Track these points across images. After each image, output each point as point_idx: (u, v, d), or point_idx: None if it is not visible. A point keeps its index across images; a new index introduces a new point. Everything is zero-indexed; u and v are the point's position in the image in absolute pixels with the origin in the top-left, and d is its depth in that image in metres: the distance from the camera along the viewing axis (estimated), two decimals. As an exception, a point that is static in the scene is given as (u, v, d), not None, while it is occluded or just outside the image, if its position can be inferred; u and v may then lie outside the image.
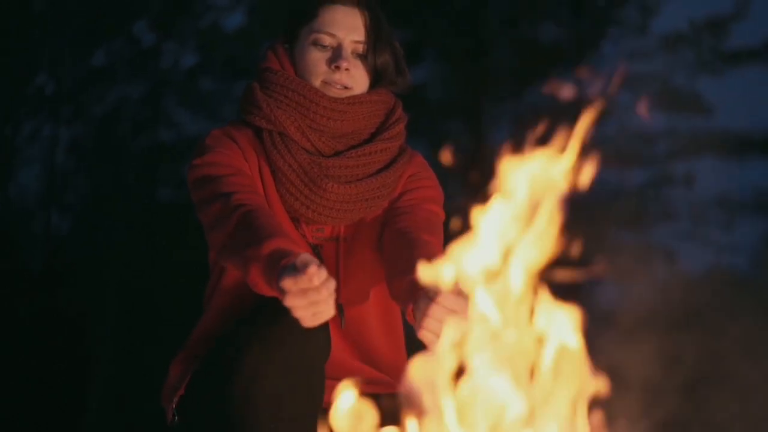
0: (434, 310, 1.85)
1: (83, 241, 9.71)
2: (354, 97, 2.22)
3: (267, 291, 1.91)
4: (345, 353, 2.16)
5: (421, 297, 1.88)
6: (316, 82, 2.22)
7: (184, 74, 9.95)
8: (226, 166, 2.17)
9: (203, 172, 2.16)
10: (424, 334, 1.88)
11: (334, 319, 2.01)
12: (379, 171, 2.22)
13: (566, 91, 1.73)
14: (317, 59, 2.22)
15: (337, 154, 2.20)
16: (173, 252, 8.82)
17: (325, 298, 1.76)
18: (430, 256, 2.03)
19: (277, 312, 1.87)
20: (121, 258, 9.15)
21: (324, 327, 1.87)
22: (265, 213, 2.03)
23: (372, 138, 2.25)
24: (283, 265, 1.79)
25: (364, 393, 2.13)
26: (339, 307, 2.06)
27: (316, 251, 2.15)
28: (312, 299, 1.75)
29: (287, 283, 1.74)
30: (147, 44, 9.84)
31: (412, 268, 1.97)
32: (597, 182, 1.77)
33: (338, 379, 2.08)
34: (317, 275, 1.74)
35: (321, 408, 2.01)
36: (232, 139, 2.22)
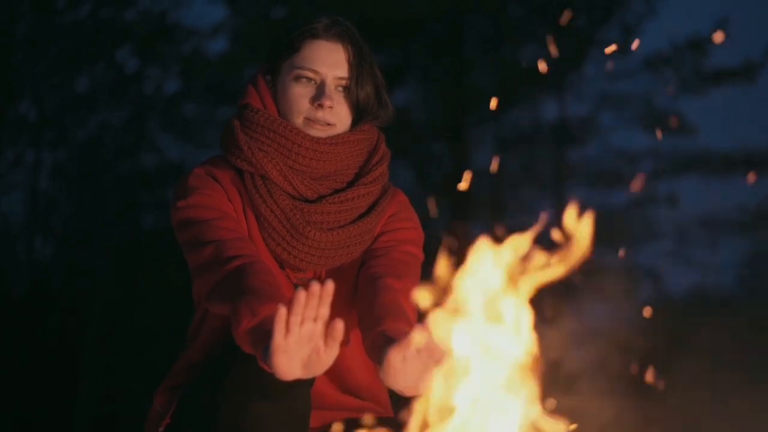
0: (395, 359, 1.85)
1: (67, 266, 9.69)
2: (337, 137, 2.18)
3: (249, 350, 1.89)
4: (327, 386, 2.14)
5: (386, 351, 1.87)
6: (298, 120, 2.17)
7: (167, 99, 9.96)
8: (212, 209, 2.13)
9: (189, 215, 2.12)
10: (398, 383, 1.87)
11: None
12: (361, 216, 2.19)
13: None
14: (300, 96, 2.17)
15: (320, 198, 2.18)
16: (157, 277, 8.80)
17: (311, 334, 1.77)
18: (395, 306, 2.02)
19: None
20: (105, 283, 9.12)
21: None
22: (260, 269, 2.00)
23: (355, 178, 2.22)
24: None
25: (346, 418, 2.13)
26: None
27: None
28: (303, 332, 1.76)
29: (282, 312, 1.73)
30: (130, 70, 9.85)
31: (376, 324, 1.96)
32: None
33: (320, 408, 2.08)
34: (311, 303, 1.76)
35: (306, 434, 2.01)
36: (216, 180, 2.17)
